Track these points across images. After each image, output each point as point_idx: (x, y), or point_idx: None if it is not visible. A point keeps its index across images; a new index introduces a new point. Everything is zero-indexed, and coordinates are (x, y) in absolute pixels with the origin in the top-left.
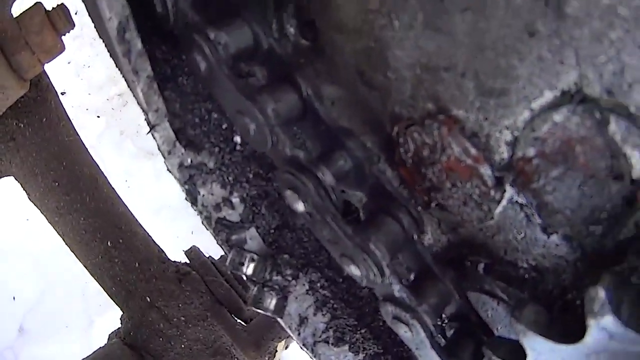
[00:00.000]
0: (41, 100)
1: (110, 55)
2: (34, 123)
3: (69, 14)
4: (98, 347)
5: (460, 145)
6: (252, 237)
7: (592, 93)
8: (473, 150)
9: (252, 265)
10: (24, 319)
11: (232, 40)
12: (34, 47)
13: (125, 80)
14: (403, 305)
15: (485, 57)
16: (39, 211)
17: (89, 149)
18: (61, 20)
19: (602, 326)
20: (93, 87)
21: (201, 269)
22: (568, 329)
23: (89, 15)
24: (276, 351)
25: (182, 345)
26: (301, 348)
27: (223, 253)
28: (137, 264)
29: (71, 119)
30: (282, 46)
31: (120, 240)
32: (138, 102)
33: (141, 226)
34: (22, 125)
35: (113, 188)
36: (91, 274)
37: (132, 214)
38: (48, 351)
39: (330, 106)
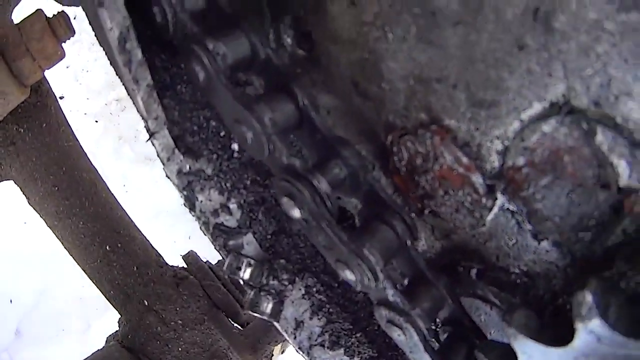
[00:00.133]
0: (41, 105)
1: (111, 64)
2: (34, 128)
3: (70, 21)
4: (96, 350)
5: (453, 154)
6: (249, 243)
7: (579, 104)
8: (465, 159)
9: (249, 270)
10: (21, 321)
11: (230, 50)
12: (34, 54)
13: (126, 88)
14: (397, 309)
15: (476, 69)
16: (37, 215)
17: (87, 154)
18: (62, 27)
19: (590, 329)
20: (91, 91)
21: (198, 274)
22: (558, 332)
23: (90, 25)
24: (272, 355)
25: (180, 349)
26: (297, 351)
27: (220, 258)
28: (135, 268)
29: (69, 123)
30: (279, 56)
31: (119, 245)
32: (138, 110)
33: (139, 231)
34: (22, 130)
35: (112, 193)
36: (90, 278)
37: (130, 218)
38: (44, 354)
39: (326, 115)
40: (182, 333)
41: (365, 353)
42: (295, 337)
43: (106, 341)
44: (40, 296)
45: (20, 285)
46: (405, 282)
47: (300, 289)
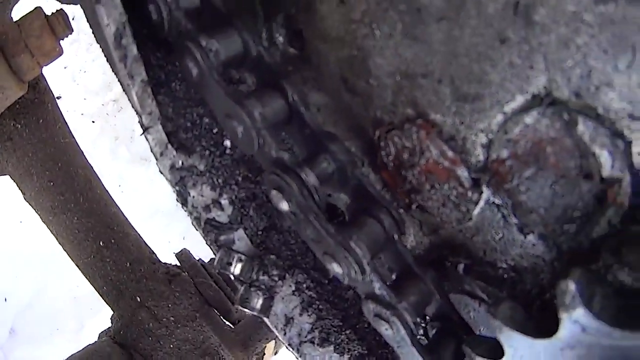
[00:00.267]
0: (38, 102)
1: (107, 60)
2: (31, 124)
3: (68, 19)
4: (88, 344)
5: (438, 148)
6: (240, 238)
7: (561, 96)
8: (450, 153)
9: (239, 266)
10: (16, 320)
11: (223, 47)
12: (33, 50)
13: (121, 84)
14: (384, 303)
15: (460, 63)
16: (32, 214)
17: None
18: (60, 25)
19: (574, 319)
20: (89, 92)
21: (191, 271)
22: (544, 324)
23: (88, 22)
24: (264, 354)
25: (171, 345)
26: (287, 348)
27: (212, 257)
28: (128, 264)
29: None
30: (271, 54)
31: (112, 241)
32: (132, 105)
33: (133, 227)
34: (19, 126)
35: (106, 189)
36: (83, 274)
37: (124, 215)
38: (38, 353)
39: (316, 112)
40: (174, 330)
41: (355, 350)
42: (285, 334)
43: (99, 337)
44: (35, 295)
45: (15, 284)
46: (393, 276)
47: (290, 285)
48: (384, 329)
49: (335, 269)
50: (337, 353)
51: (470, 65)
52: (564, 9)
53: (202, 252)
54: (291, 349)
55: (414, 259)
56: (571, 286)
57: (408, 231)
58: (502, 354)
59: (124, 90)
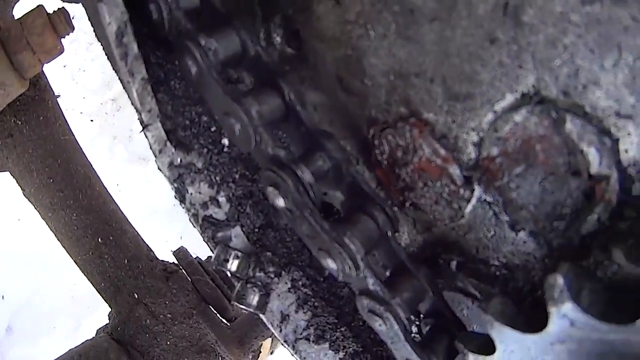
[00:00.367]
0: (39, 99)
1: (108, 58)
2: (32, 121)
3: (69, 17)
4: (85, 340)
5: (431, 146)
6: (237, 235)
7: (549, 95)
8: (442, 151)
9: (236, 262)
10: (12, 318)
11: (222, 46)
12: (35, 48)
13: (121, 81)
14: (377, 299)
15: (452, 63)
16: (30, 212)
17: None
18: (62, 23)
19: (563, 313)
20: (88, 91)
21: (188, 269)
22: (534, 320)
23: (89, 20)
24: (260, 352)
25: (168, 342)
26: (283, 345)
27: (209, 255)
28: (126, 261)
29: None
30: (269, 54)
31: (111, 237)
32: (132, 103)
33: (131, 225)
34: (20, 123)
35: (105, 187)
36: (81, 270)
37: (122, 212)
38: (35, 351)
39: (312, 111)
40: (171, 326)
41: (350, 347)
42: (281, 330)
43: (96, 333)
44: (32, 293)
45: (12, 282)
46: (387, 273)
47: (286, 283)
48: (378, 325)
49: (330, 264)
50: (332, 350)
51: (461, 65)
52: (552, 9)
53: (200, 251)
54: (287, 346)
55: (407, 256)
56: (559, 280)
57: (402, 229)
58: (493, 349)
59: (124, 87)
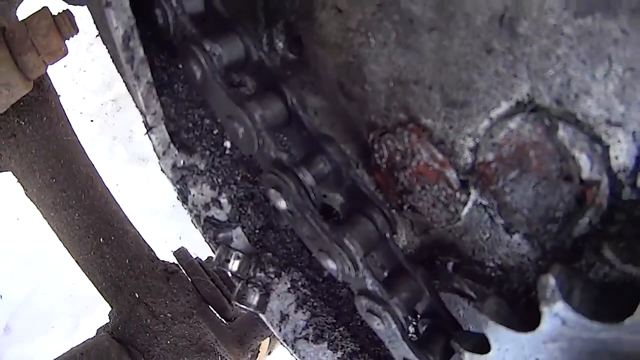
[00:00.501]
0: (42, 100)
1: (113, 62)
2: (35, 121)
3: (74, 19)
4: (87, 339)
5: (428, 151)
6: (238, 236)
7: (542, 103)
8: (440, 156)
9: (237, 263)
10: (11, 318)
11: (226, 51)
12: (39, 49)
13: (126, 85)
14: (375, 298)
15: (449, 71)
16: (29, 211)
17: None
18: (66, 25)
19: (555, 312)
20: (88, 91)
21: (188, 269)
22: (528, 319)
23: (95, 24)
24: (259, 351)
25: (168, 341)
26: (282, 344)
27: (209, 255)
28: (127, 261)
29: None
30: (271, 59)
31: (112, 237)
32: (137, 106)
33: (132, 225)
34: (23, 123)
35: (107, 187)
36: (82, 270)
37: (123, 212)
38: (33, 351)
39: (313, 115)
40: (171, 326)
41: (348, 347)
42: (280, 330)
43: (97, 332)
44: (31, 293)
45: (11, 281)
46: (385, 274)
47: (286, 283)
48: (376, 324)
49: (330, 265)
50: (331, 350)
51: (459, 73)
52: (546, 22)
53: (199, 251)
54: (286, 345)
55: (405, 258)
56: (551, 281)
57: (400, 231)
58: (488, 348)
59: (129, 91)
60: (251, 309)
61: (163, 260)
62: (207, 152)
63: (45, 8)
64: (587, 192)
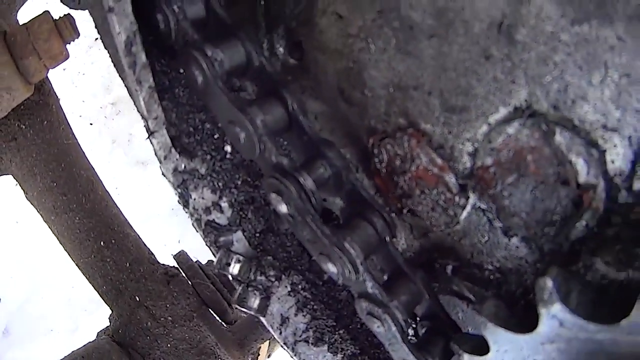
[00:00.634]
0: (43, 104)
1: (115, 66)
2: (36, 125)
3: (75, 23)
4: (87, 342)
5: (428, 155)
6: (238, 240)
7: (540, 108)
8: (439, 160)
9: (237, 266)
10: (10, 321)
11: (227, 57)
12: (41, 53)
13: (128, 89)
14: (376, 301)
15: (449, 77)
16: (28, 215)
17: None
18: (67, 29)
19: (552, 314)
20: (87, 94)
21: (189, 272)
22: (526, 321)
23: (97, 29)
24: (259, 354)
25: (169, 344)
26: (282, 347)
27: (209, 259)
28: (127, 264)
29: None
30: (272, 64)
31: (113, 241)
32: (139, 110)
33: (132, 228)
34: (24, 127)
35: (107, 191)
36: (83, 273)
37: (124, 216)
38: (32, 354)
39: (313, 120)
40: (172, 329)
41: (348, 350)
42: (280, 333)
43: (97, 336)
44: (29, 296)
45: (10, 284)
46: (385, 277)
47: (286, 286)
48: (376, 327)
49: (331, 268)
50: (331, 352)
51: (457, 79)
52: (543, 29)
53: (198, 254)
54: (286, 348)
55: (404, 261)
56: (548, 283)
57: (399, 235)
58: (487, 350)
59: (130, 95)
60: (252, 312)
61: (163, 264)
62: (208, 157)
63: (46, 12)
64: (584, 196)
